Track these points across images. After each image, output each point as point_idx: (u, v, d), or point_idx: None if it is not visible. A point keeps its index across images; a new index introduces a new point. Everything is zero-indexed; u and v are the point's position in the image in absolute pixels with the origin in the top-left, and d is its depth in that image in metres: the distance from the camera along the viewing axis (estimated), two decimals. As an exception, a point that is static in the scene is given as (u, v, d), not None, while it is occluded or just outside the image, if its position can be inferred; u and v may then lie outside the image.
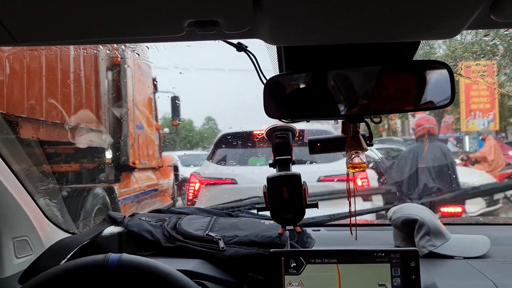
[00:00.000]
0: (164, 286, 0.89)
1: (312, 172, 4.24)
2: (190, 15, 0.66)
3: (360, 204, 4.22)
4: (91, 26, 0.69)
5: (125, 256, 0.91)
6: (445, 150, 4.15)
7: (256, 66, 0.97)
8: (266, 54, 1.01)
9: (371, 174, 4.51)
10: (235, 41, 0.94)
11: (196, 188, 4.74)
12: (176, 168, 8.45)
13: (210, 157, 5.10)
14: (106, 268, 0.88)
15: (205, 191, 4.67)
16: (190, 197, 4.78)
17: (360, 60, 0.87)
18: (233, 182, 4.54)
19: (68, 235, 1.47)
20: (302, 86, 0.91)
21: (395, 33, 0.76)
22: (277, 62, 0.96)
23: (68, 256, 1.19)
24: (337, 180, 3.93)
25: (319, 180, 4.29)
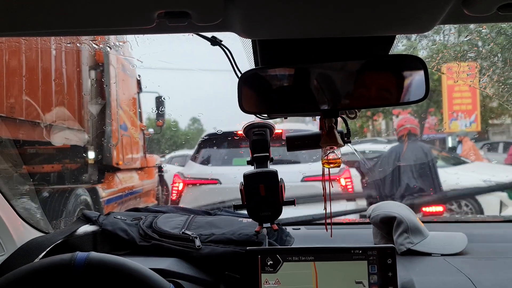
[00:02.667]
0: (133, 284, 0.87)
1: (296, 172, 4.25)
2: (160, 6, 0.64)
3: (343, 204, 4.27)
4: (56, 16, 0.67)
5: (93, 254, 0.89)
6: (426, 150, 4.19)
7: (230, 60, 0.96)
8: (245, 52, 1.00)
9: (355, 173, 4.53)
10: (209, 35, 0.93)
11: (180, 188, 4.72)
12: (160, 169, 8.38)
13: (194, 157, 5.08)
14: (73, 267, 0.86)
15: (188, 191, 4.65)
16: (174, 198, 4.75)
17: (335, 54, 0.86)
18: (217, 182, 4.53)
19: (43, 234, 1.44)
20: (276, 80, 0.90)
21: (369, 27, 0.76)
22: (252, 56, 0.95)
23: (40, 256, 1.16)
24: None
25: (303, 180, 4.31)
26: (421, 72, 0.84)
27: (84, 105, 5.28)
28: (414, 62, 0.85)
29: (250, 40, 0.89)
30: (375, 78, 0.87)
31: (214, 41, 0.93)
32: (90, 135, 5.41)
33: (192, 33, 0.87)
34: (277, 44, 0.86)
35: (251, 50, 0.93)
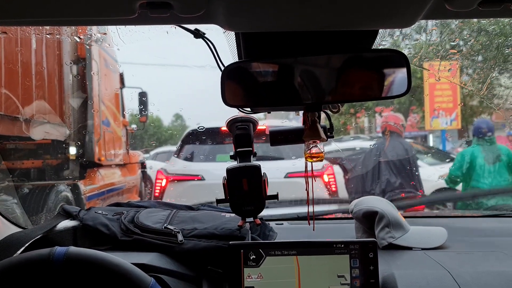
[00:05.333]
0: (113, 278, 0.86)
1: (279, 168, 4.26)
2: None
3: (327, 201, 4.29)
4: (36, 5, 0.66)
5: (72, 249, 0.87)
6: (407, 147, 4.24)
7: (214, 53, 0.96)
8: (229, 46, 0.99)
9: (337, 170, 4.57)
10: (192, 27, 0.92)
11: (163, 184, 4.69)
12: (143, 165, 8.31)
13: (177, 153, 5.05)
14: (52, 262, 0.85)
15: (172, 188, 4.63)
16: (157, 194, 4.72)
17: (318, 48, 0.86)
18: (201, 178, 4.51)
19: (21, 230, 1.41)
20: (260, 74, 0.90)
21: (352, 21, 0.76)
22: (236, 50, 0.95)
23: (19, 252, 1.13)
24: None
25: (286, 176, 4.32)
26: (403, 66, 0.85)
27: (66, 100, 5.20)
28: (396, 56, 0.86)
29: (234, 33, 0.89)
30: (358, 72, 0.88)
31: (197, 34, 0.93)
32: (72, 130, 5.33)
33: (174, 25, 0.86)
34: (260, 37, 0.85)
35: (235, 43, 0.93)
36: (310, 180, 1.12)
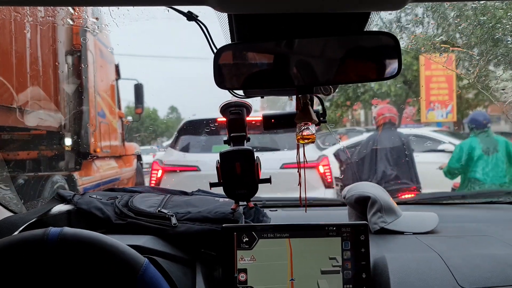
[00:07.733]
0: (107, 258, 0.86)
1: (275, 159, 4.27)
2: None
3: (322, 191, 4.31)
4: None
5: (67, 229, 0.88)
6: (404, 139, 4.25)
7: (206, 36, 0.96)
8: (222, 29, 1.00)
9: (333, 161, 4.59)
10: (185, 10, 0.93)
11: (159, 175, 4.69)
12: (139, 157, 8.31)
13: (173, 145, 5.06)
14: (46, 242, 0.85)
15: (168, 178, 4.63)
16: (153, 185, 4.72)
17: (310, 31, 0.87)
18: (196, 169, 4.52)
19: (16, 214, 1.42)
20: (252, 56, 0.91)
21: (344, 3, 0.76)
22: (228, 33, 0.95)
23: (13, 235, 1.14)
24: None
25: (282, 167, 4.33)
26: (394, 48, 0.86)
27: (61, 91, 5.18)
28: (387, 39, 0.86)
29: (227, 15, 0.89)
30: (349, 54, 0.88)
31: (190, 16, 0.93)
32: (67, 121, 5.32)
33: (166, 7, 0.86)
34: (252, 19, 0.86)
35: (227, 26, 0.93)
36: (302, 163, 1.13)
